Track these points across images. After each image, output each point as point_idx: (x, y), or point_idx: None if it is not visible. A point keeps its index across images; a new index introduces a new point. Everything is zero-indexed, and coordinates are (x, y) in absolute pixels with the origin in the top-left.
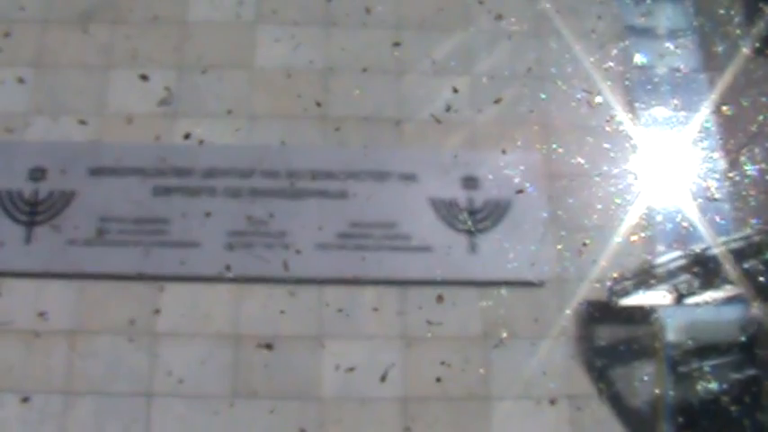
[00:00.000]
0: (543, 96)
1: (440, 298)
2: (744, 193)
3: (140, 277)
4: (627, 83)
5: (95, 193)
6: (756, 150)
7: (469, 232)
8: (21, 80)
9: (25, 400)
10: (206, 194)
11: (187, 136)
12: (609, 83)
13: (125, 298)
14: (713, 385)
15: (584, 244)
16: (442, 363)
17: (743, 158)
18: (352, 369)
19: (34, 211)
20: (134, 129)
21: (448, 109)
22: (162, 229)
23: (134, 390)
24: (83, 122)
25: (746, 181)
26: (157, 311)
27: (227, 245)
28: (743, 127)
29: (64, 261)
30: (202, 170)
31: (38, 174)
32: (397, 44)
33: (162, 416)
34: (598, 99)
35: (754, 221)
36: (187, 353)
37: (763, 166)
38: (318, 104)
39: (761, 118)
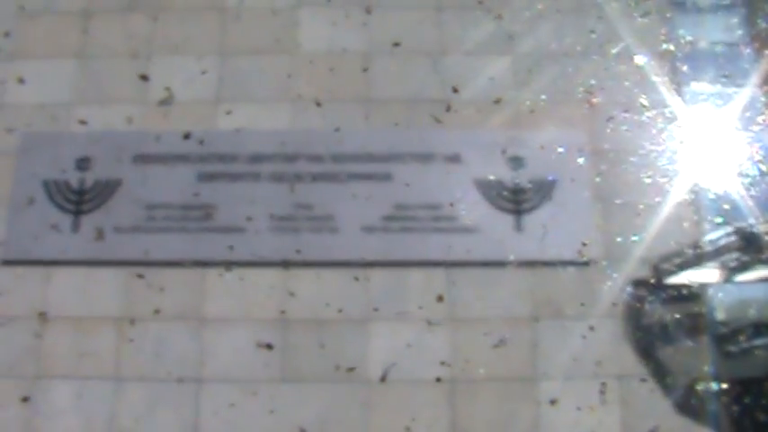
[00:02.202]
0: (587, 75)
1: (483, 279)
2: None
3: (187, 263)
4: (672, 58)
5: (141, 180)
6: None
7: (516, 212)
8: (64, 71)
9: (77, 386)
10: (251, 180)
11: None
12: (653, 59)
13: (172, 284)
14: (762, 365)
15: (631, 222)
16: (490, 344)
17: None
18: (399, 351)
19: (81, 200)
20: (177, 116)
21: (491, 89)
22: (208, 215)
23: (183, 375)
24: (126, 111)
25: None
26: (204, 297)
27: (274, 229)
28: None
29: (111, 249)
30: (247, 156)
31: (84, 163)
32: (438, 24)
33: (211, 401)
34: (643, 76)
35: None
36: (235, 338)
37: None
38: (361, 87)
39: None
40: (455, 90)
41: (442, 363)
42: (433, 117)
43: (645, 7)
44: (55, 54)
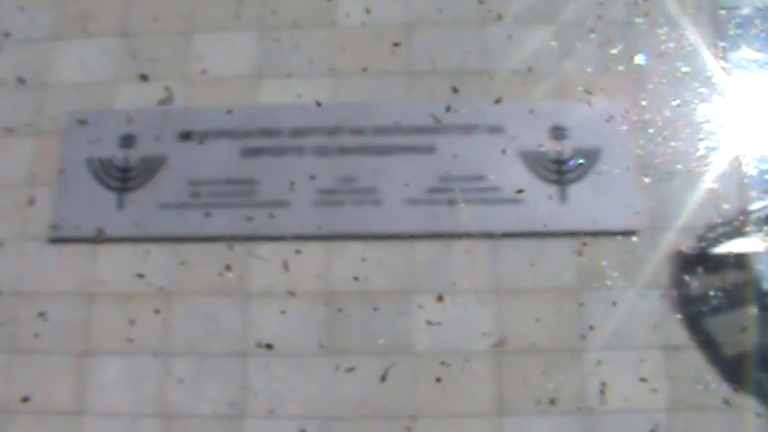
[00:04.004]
0: (629, 44)
1: (528, 250)
2: None
3: (232, 238)
4: (716, 24)
5: (185, 157)
6: None
7: (559, 182)
8: (107, 49)
9: (125, 361)
10: (294, 154)
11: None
12: (696, 26)
13: (217, 259)
14: None
15: (675, 192)
16: (536, 317)
17: None
18: (444, 323)
19: (126, 178)
20: (220, 92)
21: (533, 59)
22: (251, 190)
23: (229, 349)
24: (168, 88)
25: None
26: (249, 271)
27: (317, 203)
28: None
29: (156, 225)
30: (289, 130)
31: (128, 141)
32: None
33: (258, 375)
34: (685, 43)
35: None
36: (280, 312)
37: None
38: (402, 59)
39: None
40: (497, 61)
41: (488, 334)
42: (475, 88)
43: None
44: (97, 33)
